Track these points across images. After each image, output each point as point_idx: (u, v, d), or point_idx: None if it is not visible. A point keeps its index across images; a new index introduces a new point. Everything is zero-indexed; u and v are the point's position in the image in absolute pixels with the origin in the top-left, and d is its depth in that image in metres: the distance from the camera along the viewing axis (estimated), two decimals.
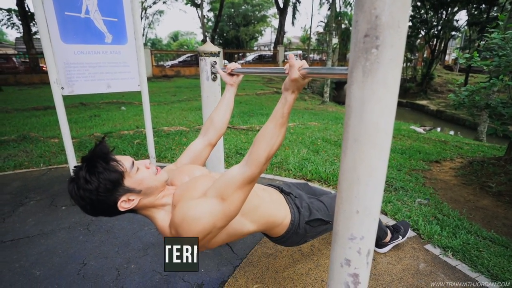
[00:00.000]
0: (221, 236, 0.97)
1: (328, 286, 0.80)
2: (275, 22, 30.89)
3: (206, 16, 30.59)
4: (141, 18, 27.44)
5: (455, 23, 12.53)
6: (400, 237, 1.71)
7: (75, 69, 2.22)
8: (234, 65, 1.26)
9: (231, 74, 1.27)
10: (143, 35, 28.86)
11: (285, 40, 28.41)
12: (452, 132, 7.83)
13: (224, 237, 0.99)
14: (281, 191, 1.31)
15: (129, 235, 1.93)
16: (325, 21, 22.07)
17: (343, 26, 20.15)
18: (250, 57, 23.21)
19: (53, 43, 2.08)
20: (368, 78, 0.59)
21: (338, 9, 19.20)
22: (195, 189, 0.92)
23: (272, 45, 26.13)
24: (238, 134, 4.52)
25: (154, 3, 26.86)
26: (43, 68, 13.54)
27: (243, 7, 31.66)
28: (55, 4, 2.03)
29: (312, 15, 13.67)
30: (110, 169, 0.82)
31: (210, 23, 31.27)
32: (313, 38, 26.69)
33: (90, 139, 4.11)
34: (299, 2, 13.73)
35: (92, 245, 1.83)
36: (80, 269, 1.62)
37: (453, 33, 13.11)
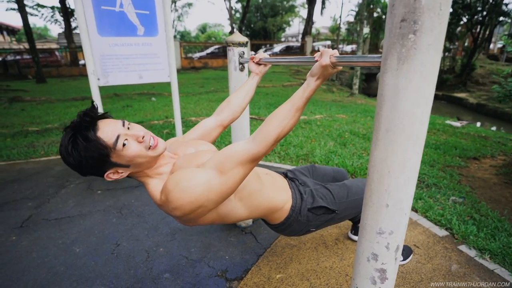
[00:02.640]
0: (211, 215, 0.91)
1: (353, 280, 0.79)
2: (304, 12, 30.11)
3: (234, 8, 30.54)
4: (171, 11, 27.98)
5: (504, 7, 11.39)
6: (402, 257, 1.59)
7: (110, 60, 2.33)
8: (262, 55, 1.25)
9: (258, 63, 1.27)
10: (172, 27, 29.48)
11: (313, 30, 27.64)
12: (494, 128, 7.24)
13: (214, 216, 0.93)
14: (285, 176, 1.28)
15: (158, 220, 2.02)
16: (356, 9, 21.10)
17: (375, 14, 19.16)
18: (277, 48, 22.93)
19: (90, 36, 2.20)
20: (403, 66, 0.56)
21: None
22: (197, 160, 0.88)
23: (300, 36, 25.55)
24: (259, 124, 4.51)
25: None
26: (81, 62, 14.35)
27: None
28: None
29: (342, 3, 13.13)
30: (90, 148, 0.75)
31: (237, 15, 31.21)
32: (343, 28, 25.72)
33: None
34: None
35: (124, 228, 1.95)
36: (114, 249, 1.74)
37: (501, 18, 11.95)
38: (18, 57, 14.12)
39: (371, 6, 18.04)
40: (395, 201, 0.65)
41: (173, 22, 29.72)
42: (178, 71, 15.33)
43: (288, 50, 21.36)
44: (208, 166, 0.82)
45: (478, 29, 12.26)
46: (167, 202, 0.80)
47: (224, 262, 1.60)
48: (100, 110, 2.41)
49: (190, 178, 0.79)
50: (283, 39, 36.63)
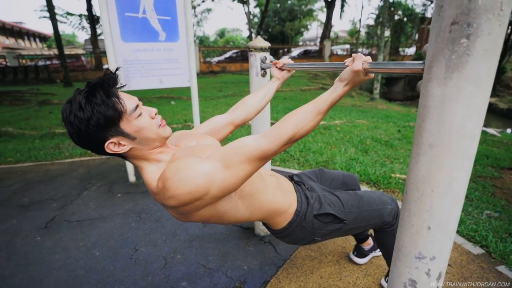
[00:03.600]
0: (208, 210, 0.84)
1: None
2: (322, 16, 29.90)
3: (252, 12, 30.82)
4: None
5: None
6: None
7: (132, 66, 2.37)
8: (286, 60, 1.21)
9: (281, 69, 1.23)
10: (193, 33, 30.13)
11: (332, 34, 27.33)
12: None
13: (212, 212, 0.86)
14: (291, 179, 1.21)
15: (176, 226, 2.01)
16: (376, 12, 20.66)
17: (396, 17, 18.66)
18: (295, 52, 22.84)
19: (114, 42, 2.25)
20: (453, 74, 0.50)
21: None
22: (197, 153, 0.83)
23: (318, 39, 25.34)
24: None
25: (203, 1, 27.84)
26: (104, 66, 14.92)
27: (289, 2, 31.18)
28: (117, 6, 2.19)
29: (362, 7, 12.88)
30: (108, 104, 0.71)
31: (256, 19, 31.45)
32: (362, 31, 25.26)
33: None
34: None
35: (143, 232, 1.95)
36: (132, 254, 1.74)
37: None
38: (48, 62, 14.89)
39: (392, 8, 17.60)
40: (439, 224, 0.59)
41: (193, 27, 30.38)
42: (197, 75, 15.59)
43: (306, 54, 21.22)
44: (213, 157, 0.76)
45: (508, 30, 11.63)
46: (163, 189, 0.75)
47: (243, 273, 1.56)
48: None
49: (192, 167, 0.73)
50: (301, 43, 36.49)
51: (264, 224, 1.15)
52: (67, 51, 16.85)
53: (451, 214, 0.58)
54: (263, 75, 1.51)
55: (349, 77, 0.80)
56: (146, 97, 8.08)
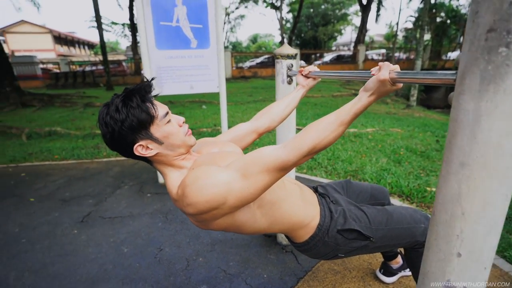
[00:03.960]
0: (226, 220, 0.84)
1: None
2: (357, 20, 29.10)
3: (284, 18, 30.92)
4: (224, 23, 29.49)
5: None
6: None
7: (165, 72, 2.48)
8: (312, 68, 1.19)
9: (307, 76, 1.21)
10: (225, 39, 31.10)
11: (366, 38, 26.47)
12: None
13: (230, 222, 0.86)
14: (315, 191, 1.15)
15: (200, 229, 2.05)
16: (416, 15, 19.64)
17: (438, 19, 17.58)
18: (327, 57, 22.43)
19: (149, 49, 2.37)
20: (489, 87, 0.45)
21: (433, 0, 16.82)
22: (219, 160, 0.84)
23: (352, 44, 24.68)
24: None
25: (237, 8, 28.54)
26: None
27: (322, 7, 30.83)
28: (153, 15, 2.31)
29: (400, 10, 12.33)
30: (142, 108, 0.77)
31: (288, 25, 31.49)
32: (400, 35, 24.13)
33: None
34: None
35: (168, 233, 2.01)
36: (157, 254, 1.80)
37: None
38: (94, 68, 16.17)
39: (434, 10, 16.61)
40: (471, 251, 0.53)
41: (226, 33, 31.20)
42: (229, 80, 15.94)
43: (339, 59, 20.76)
44: (232, 167, 0.77)
45: None
46: (182, 197, 0.77)
47: (262, 281, 1.54)
48: None
49: (211, 176, 0.75)
50: (334, 48, 35.80)
51: (286, 237, 1.12)
52: (110, 57, 18.18)
53: (486, 241, 0.52)
54: (289, 82, 1.49)
55: (374, 86, 0.76)
56: (179, 101, 8.41)
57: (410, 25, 21.61)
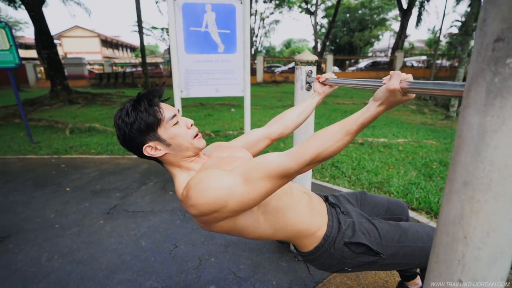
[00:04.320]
0: (228, 223, 0.85)
1: None
2: (396, 26, 27.90)
3: (319, 23, 30.56)
4: (258, 28, 29.88)
5: None
6: None
7: (192, 75, 2.57)
8: (329, 75, 1.17)
9: (323, 83, 1.19)
10: (258, 43, 31.49)
11: (406, 44, 25.24)
12: None
13: (231, 226, 0.87)
14: (326, 200, 1.11)
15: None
16: (463, 19, 18.33)
17: None
18: (362, 63, 21.76)
19: (179, 53, 2.48)
20: (495, 101, 0.41)
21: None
22: (227, 164, 0.86)
23: (390, 50, 23.67)
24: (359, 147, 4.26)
25: (272, 13, 28.78)
26: None
27: (360, 11, 30.01)
28: (184, 21, 2.41)
29: (444, 14, 11.59)
30: (149, 111, 0.81)
31: (323, 30, 31.07)
32: (443, 41, 22.69)
33: (203, 135, 4.70)
34: (428, 0, 11.80)
35: (185, 231, 2.07)
36: (172, 250, 1.86)
37: None
38: (133, 69, 17.23)
39: None
40: (473, 279, 0.49)
41: (260, 38, 31.55)
42: (259, 84, 16.09)
43: (374, 66, 20.04)
44: (235, 172, 0.79)
45: None
46: (186, 198, 0.79)
47: None
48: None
49: (214, 179, 0.77)
50: (370, 54, 34.62)
51: (293, 245, 1.10)
52: (149, 59, 19.26)
53: (490, 270, 0.47)
54: (308, 89, 1.48)
55: (383, 96, 0.73)
56: (210, 103, 8.66)
57: (455, 30, 20.23)
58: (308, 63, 1.43)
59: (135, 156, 3.83)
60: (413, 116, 7.44)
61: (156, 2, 17.43)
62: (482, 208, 0.45)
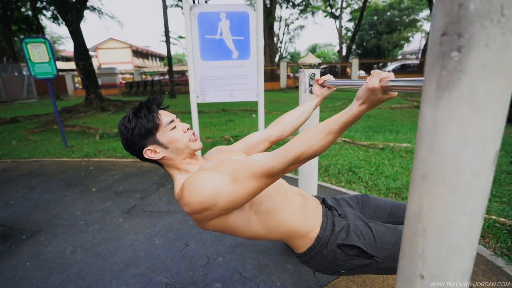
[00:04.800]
0: (220, 221, 0.89)
1: None
2: (427, 26, 26.70)
3: (345, 27, 30.06)
4: (283, 34, 30.04)
5: None
6: None
7: (208, 81, 2.67)
8: (327, 77, 1.19)
9: (322, 85, 1.20)
10: (283, 49, 31.62)
11: None
12: None
13: (223, 224, 0.90)
14: (323, 202, 1.10)
15: None
16: None
17: None
18: (390, 66, 21.04)
19: (195, 60, 2.59)
20: (444, 94, 0.42)
21: None
22: (221, 166, 0.90)
23: (421, 52, 22.64)
24: (357, 150, 4.17)
25: (297, 19, 28.83)
26: None
27: (388, 13, 29.12)
28: (199, 30, 2.53)
29: None
30: (148, 118, 0.88)
31: (349, 34, 30.53)
32: None
33: (221, 140, 4.82)
34: None
35: (196, 231, 2.14)
36: (183, 248, 1.93)
37: None
38: (161, 77, 18.05)
39: None
40: (434, 273, 0.48)
41: (284, 44, 31.66)
42: (283, 89, 16.10)
43: (403, 69, 19.28)
44: (224, 172, 0.83)
45: None
46: (181, 197, 0.84)
47: None
48: (197, 122, 2.79)
49: (205, 179, 0.81)
50: (399, 57, 33.37)
51: (287, 245, 1.12)
52: (176, 68, 20.06)
53: (450, 264, 0.47)
54: (311, 91, 1.49)
55: (364, 95, 0.73)
56: (232, 108, 8.82)
57: None
58: (311, 66, 1.45)
59: None
60: None
61: (183, 13, 18.25)
62: (438, 201, 0.45)
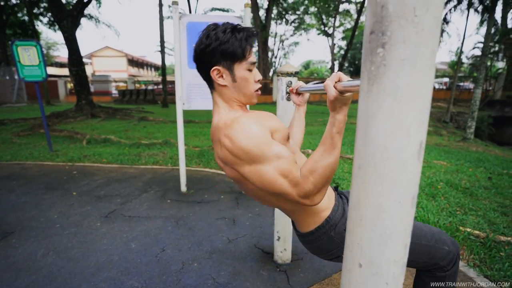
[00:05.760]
0: (248, 184, 0.87)
1: None
2: None
3: (337, 45, 30.92)
4: (278, 49, 30.69)
5: None
6: None
7: (194, 89, 2.71)
8: (298, 84, 1.22)
9: (297, 93, 1.23)
10: (278, 64, 32.19)
11: None
12: None
13: (250, 189, 0.89)
14: (335, 189, 1.11)
15: (204, 236, 2.11)
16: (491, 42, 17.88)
17: None
18: None
19: (182, 68, 2.63)
20: (373, 87, 0.46)
21: (510, 25, 15.30)
22: (266, 119, 0.88)
23: None
24: (342, 162, 4.23)
25: (292, 35, 29.57)
26: None
27: None
28: (188, 38, 2.59)
29: (464, 36, 11.44)
30: (242, 44, 0.83)
31: (342, 52, 31.37)
32: (467, 62, 22.19)
33: (209, 149, 4.82)
34: (447, 23, 11.74)
35: (174, 236, 2.11)
36: (159, 253, 1.89)
37: None
38: (155, 87, 18.07)
39: (509, 35, 14.99)
40: (370, 262, 0.50)
41: (279, 59, 32.30)
42: (275, 103, 16.29)
43: None
44: (278, 147, 0.80)
45: None
46: (229, 128, 0.80)
47: None
48: (181, 129, 2.80)
49: (261, 133, 0.79)
50: None
51: (293, 224, 1.09)
52: (170, 78, 20.12)
53: (383, 251, 0.49)
54: (288, 99, 1.53)
55: (332, 105, 0.76)
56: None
57: (478, 52, 19.75)
58: (288, 74, 1.50)
59: (142, 166, 3.98)
60: (428, 137, 7.23)
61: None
62: (371, 190, 0.48)
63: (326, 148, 0.78)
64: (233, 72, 0.86)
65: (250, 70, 0.88)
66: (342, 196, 1.09)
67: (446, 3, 9.97)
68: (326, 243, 0.98)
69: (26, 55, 4.45)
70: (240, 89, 0.89)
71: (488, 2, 7.76)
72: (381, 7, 0.43)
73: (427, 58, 0.43)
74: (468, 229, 2.16)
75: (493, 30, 10.94)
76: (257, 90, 0.91)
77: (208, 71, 0.87)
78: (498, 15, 15.30)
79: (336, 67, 21.14)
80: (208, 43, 0.83)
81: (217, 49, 0.83)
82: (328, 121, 0.79)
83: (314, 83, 1.05)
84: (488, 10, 6.89)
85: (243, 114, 0.88)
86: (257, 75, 0.91)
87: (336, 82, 0.75)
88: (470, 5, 9.71)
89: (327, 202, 0.99)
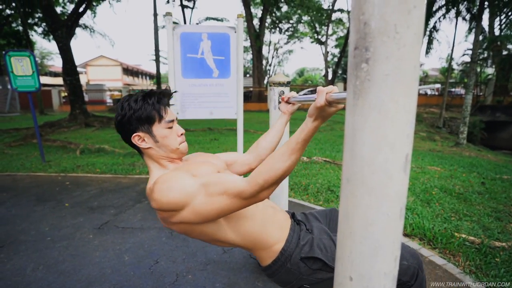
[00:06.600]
0: (195, 229, 0.89)
1: None
2: None
3: (331, 52, 31.37)
4: (272, 57, 31.01)
5: None
6: None
7: (188, 98, 2.71)
8: (291, 94, 1.23)
9: (288, 102, 1.24)
10: (272, 72, 32.51)
11: (420, 72, 25.23)
12: None
13: (198, 233, 0.91)
14: (292, 216, 1.11)
15: (198, 247, 2.08)
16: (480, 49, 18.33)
17: (504, 52, 16.18)
18: None
19: (176, 78, 2.64)
20: (358, 101, 0.46)
21: (498, 33, 15.70)
22: (196, 167, 0.91)
23: None
24: (337, 169, 4.25)
25: (286, 43, 29.94)
26: None
27: None
28: (181, 48, 2.61)
29: (454, 43, 11.72)
30: (155, 107, 0.89)
31: (335, 59, 31.83)
32: (457, 69, 22.66)
33: None
34: (437, 31, 12.00)
35: (168, 248, 2.08)
36: (152, 265, 1.86)
37: None
38: None
39: (497, 42, 15.37)
40: (360, 275, 0.50)
41: (274, 67, 32.61)
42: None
43: None
44: (200, 180, 0.83)
45: None
46: (152, 191, 0.84)
47: None
48: None
49: (179, 181, 0.82)
50: None
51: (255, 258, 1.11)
52: (164, 86, 20.21)
53: (372, 265, 0.49)
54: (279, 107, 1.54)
55: (315, 112, 0.77)
56: (218, 128, 8.86)
57: (467, 59, 20.20)
58: (280, 84, 1.51)
59: (136, 176, 3.94)
60: (422, 143, 7.31)
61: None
62: (359, 203, 0.48)
63: (287, 150, 0.78)
64: (153, 134, 0.91)
65: (170, 128, 0.93)
66: (300, 223, 1.10)
67: (435, 12, 10.22)
68: (285, 275, 1.00)
69: (19, 65, 4.43)
70: (165, 147, 0.93)
71: (475, 11, 8.01)
72: (363, 24, 0.44)
73: (409, 73, 0.44)
74: (463, 235, 2.17)
75: (481, 38, 11.22)
76: (181, 143, 0.97)
77: (129, 139, 0.92)
78: (485, 23, 15.71)
79: (330, 74, 21.41)
80: (123, 114, 0.89)
81: (132, 117, 0.88)
82: (300, 126, 0.81)
83: (308, 91, 1.07)
84: (476, 19, 7.11)
85: (170, 170, 0.93)
86: (179, 129, 0.97)
87: (327, 94, 0.76)
88: (458, 13, 9.97)
89: (279, 234, 1.01)
